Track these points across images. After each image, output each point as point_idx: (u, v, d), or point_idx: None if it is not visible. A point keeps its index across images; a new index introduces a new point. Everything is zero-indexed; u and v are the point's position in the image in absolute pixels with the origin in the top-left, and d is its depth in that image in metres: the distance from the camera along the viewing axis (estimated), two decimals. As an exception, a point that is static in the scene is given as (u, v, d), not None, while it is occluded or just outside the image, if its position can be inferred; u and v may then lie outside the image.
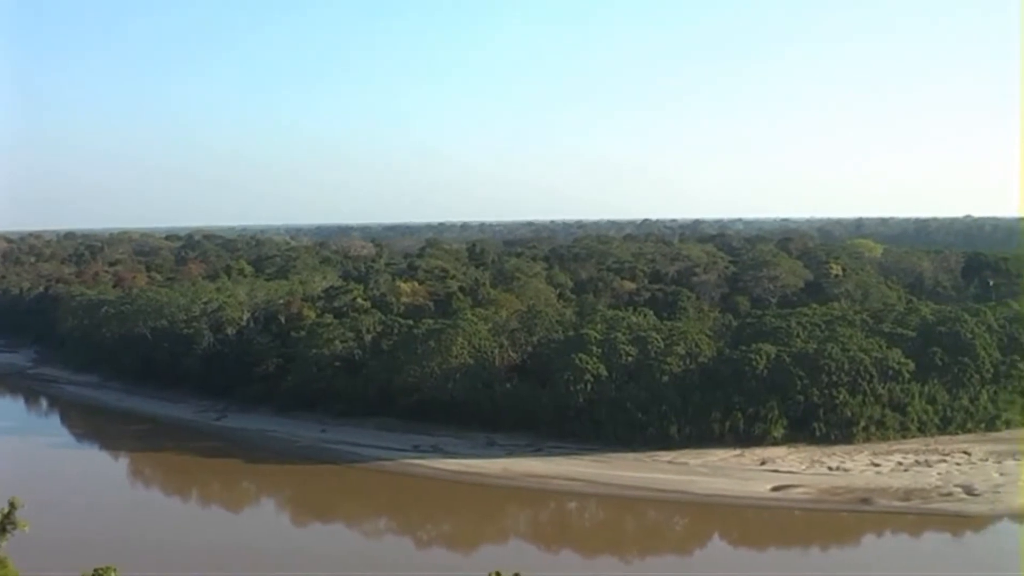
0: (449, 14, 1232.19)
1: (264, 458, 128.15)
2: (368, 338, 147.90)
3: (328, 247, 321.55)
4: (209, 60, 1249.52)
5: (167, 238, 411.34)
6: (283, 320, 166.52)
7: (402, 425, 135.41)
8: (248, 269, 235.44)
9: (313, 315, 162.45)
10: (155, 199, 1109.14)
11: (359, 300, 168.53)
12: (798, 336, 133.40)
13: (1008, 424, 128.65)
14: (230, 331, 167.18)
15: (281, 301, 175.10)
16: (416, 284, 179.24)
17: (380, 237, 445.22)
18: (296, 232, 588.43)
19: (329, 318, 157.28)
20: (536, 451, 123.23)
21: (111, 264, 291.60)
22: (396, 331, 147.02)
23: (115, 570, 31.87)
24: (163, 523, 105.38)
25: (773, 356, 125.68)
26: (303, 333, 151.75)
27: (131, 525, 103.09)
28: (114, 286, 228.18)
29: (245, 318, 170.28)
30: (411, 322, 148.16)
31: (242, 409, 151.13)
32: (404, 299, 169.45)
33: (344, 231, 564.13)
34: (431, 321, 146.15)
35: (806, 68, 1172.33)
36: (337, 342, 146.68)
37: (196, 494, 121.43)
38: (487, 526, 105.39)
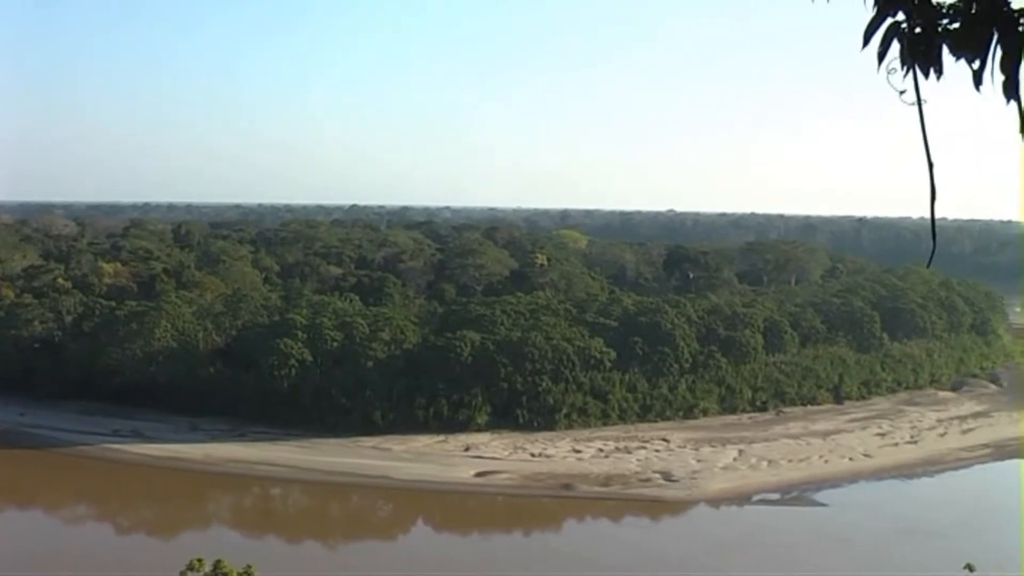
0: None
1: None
2: (69, 320, 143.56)
3: (29, 225, 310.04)
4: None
5: None
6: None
7: (104, 409, 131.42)
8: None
9: (12, 295, 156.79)
10: None
11: (60, 280, 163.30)
12: (503, 324, 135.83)
13: (705, 412, 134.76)
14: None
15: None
16: (119, 265, 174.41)
17: (83, 216, 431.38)
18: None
19: (28, 298, 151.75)
20: (240, 436, 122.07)
21: None
22: (98, 313, 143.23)
23: None
24: None
25: (478, 343, 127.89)
26: (1, 314, 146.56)
27: None
28: None
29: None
30: (113, 304, 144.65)
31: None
32: (107, 280, 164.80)
33: (46, 209, 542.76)
34: (134, 303, 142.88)
35: (512, 62, 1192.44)
36: (37, 323, 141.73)
37: None
38: (188, 512, 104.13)
